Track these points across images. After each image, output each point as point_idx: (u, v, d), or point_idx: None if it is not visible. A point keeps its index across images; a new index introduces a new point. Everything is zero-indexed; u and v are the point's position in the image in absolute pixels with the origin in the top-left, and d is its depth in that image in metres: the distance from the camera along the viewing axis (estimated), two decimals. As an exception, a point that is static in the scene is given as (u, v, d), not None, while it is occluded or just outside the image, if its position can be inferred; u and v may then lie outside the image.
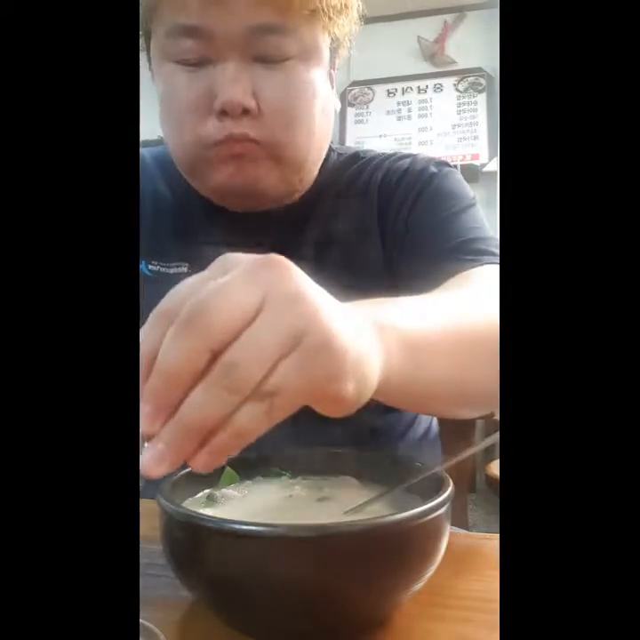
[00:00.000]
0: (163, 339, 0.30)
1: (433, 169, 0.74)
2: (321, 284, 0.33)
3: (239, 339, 0.29)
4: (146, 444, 0.30)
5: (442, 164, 0.75)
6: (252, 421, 0.30)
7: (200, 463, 0.30)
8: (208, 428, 0.29)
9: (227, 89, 0.62)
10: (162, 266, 0.74)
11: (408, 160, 0.76)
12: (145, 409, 0.29)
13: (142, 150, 0.82)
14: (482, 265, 0.62)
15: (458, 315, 0.48)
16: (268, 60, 0.63)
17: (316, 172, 0.73)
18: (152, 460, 0.29)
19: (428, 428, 0.82)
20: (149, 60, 0.68)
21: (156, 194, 0.77)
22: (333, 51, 0.69)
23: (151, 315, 0.31)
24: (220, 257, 0.33)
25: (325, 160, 0.74)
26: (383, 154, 0.79)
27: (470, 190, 0.74)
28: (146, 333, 0.31)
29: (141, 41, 0.68)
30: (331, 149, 0.77)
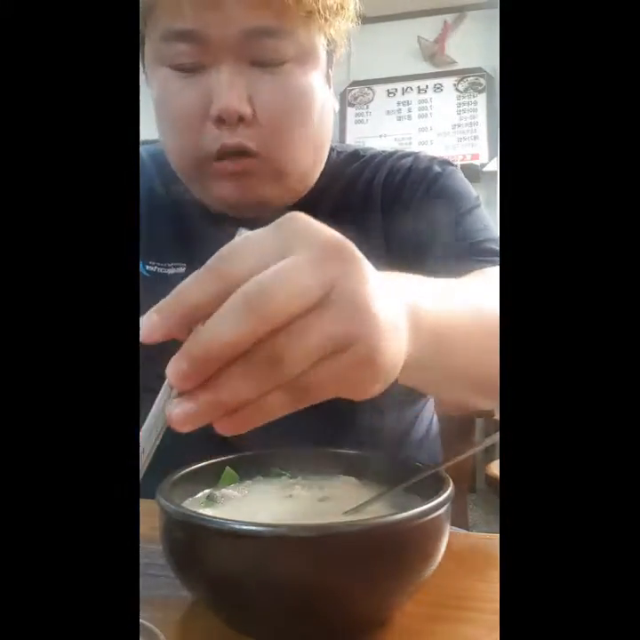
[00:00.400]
0: (209, 296, 0.29)
1: (437, 168, 0.74)
2: None
3: (291, 331, 0.29)
4: (172, 395, 0.30)
5: (445, 163, 0.76)
6: (279, 406, 0.30)
7: (222, 427, 0.30)
8: (239, 404, 0.30)
9: (222, 95, 0.61)
10: (159, 266, 0.73)
11: (410, 159, 0.76)
12: (181, 365, 0.29)
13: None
14: (495, 265, 0.63)
15: (480, 303, 0.48)
16: (264, 64, 0.62)
17: (317, 175, 0.73)
18: (181, 416, 0.29)
19: (429, 428, 0.82)
20: (143, 64, 0.68)
21: (152, 192, 0.77)
22: (330, 52, 0.69)
23: (205, 267, 0.30)
24: (286, 217, 0.31)
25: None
26: (383, 152, 0.79)
27: (473, 189, 0.75)
28: (192, 283, 0.30)
29: None
30: (330, 148, 0.76)
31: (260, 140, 0.63)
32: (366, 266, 0.31)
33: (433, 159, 0.76)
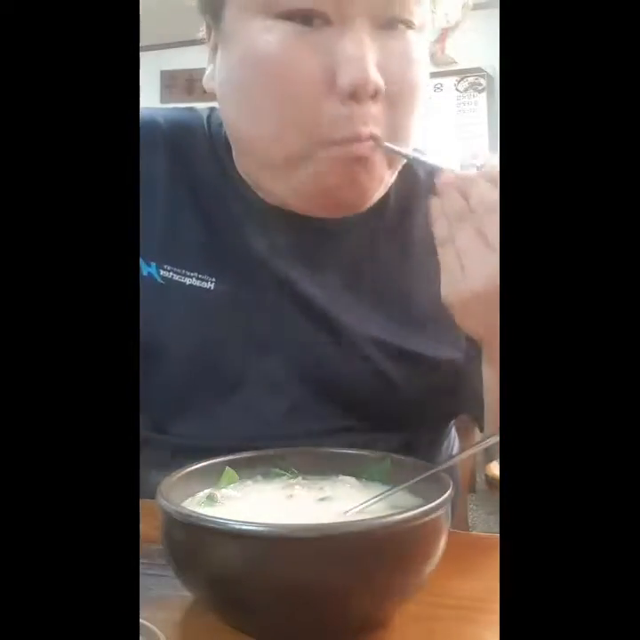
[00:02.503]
0: None
1: None
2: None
3: None
4: None
5: None
6: None
7: None
8: None
9: (359, 62, 0.48)
10: (176, 273, 0.59)
11: None
12: None
13: (154, 113, 0.63)
14: None
15: None
16: (392, 27, 0.51)
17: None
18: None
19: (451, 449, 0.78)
20: (216, 15, 0.54)
21: (172, 176, 0.60)
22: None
23: None
24: None
25: None
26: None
27: None
28: None
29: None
30: None
31: (384, 121, 0.52)
32: None
33: None
